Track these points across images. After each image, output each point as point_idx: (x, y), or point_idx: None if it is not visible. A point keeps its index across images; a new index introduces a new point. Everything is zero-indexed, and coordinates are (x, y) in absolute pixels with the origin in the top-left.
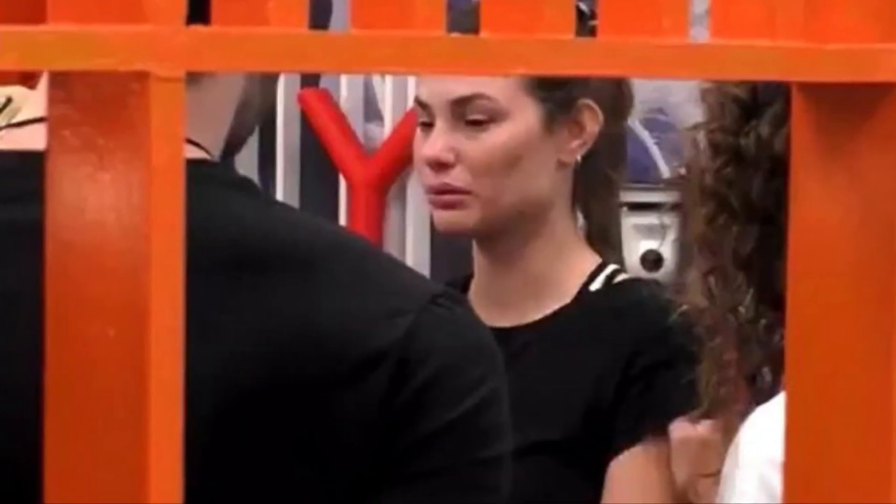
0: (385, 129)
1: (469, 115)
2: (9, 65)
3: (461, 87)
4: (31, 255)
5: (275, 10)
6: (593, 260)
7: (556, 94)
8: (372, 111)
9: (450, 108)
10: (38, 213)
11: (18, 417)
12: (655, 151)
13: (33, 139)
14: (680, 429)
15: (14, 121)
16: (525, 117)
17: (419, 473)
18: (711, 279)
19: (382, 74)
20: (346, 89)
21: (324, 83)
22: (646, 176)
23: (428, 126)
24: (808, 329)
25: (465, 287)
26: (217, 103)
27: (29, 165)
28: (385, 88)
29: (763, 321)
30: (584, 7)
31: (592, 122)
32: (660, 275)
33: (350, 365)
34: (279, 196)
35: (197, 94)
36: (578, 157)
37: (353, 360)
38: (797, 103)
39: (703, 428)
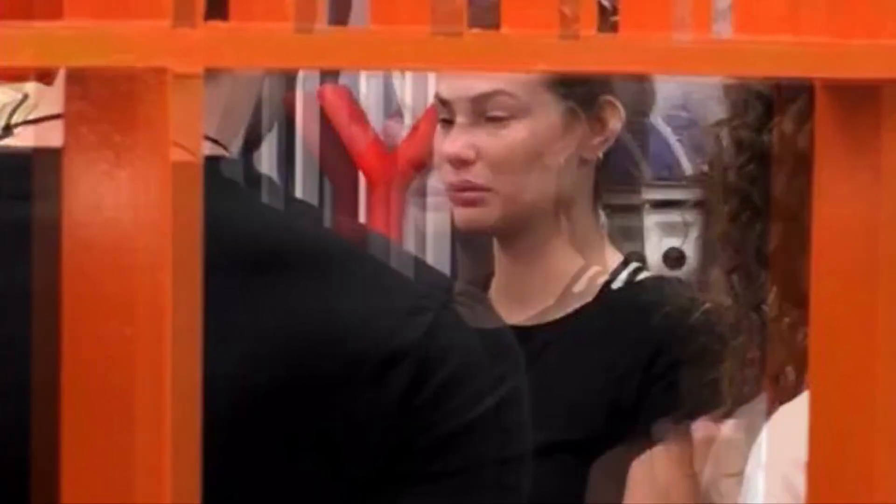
0: (405, 126)
1: (490, 111)
2: (26, 62)
3: (482, 83)
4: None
5: (293, 6)
6: (615, 257)
7: (577, 91)
8: (392, 108)
9: (470, 105)
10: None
11: (13, 418)
12: (678, 148)
13: (50, 136)
14: (702, 428)
15: (31, 117)
16: (546, 114)
17: (439, 472)
18: (734, 277)
19: (402, 71)
20: (366, 86)
21: (343, 79)
22: (668, 173)
23: (448, 123)
24: (831, 327)
25: (485, 285)
26: (235, 100)
27: (46, 162)
28: (405, 85)
29: (786, 319)
30: (605, 2)
31: (614, 118)
32: (682, 272)
33: (370, 364)
34: (298, 193)
35: (215, 90)
36: (600, 154)
37: (373, 358)
38: (821, 100)
39: (726, 427)
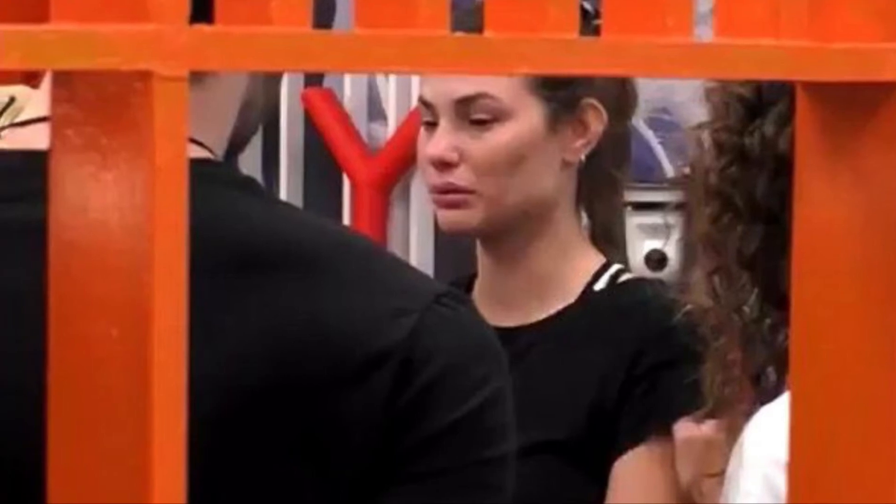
0: (389, 129)
1: (473, 114)
2: (12, 64)
3: (465, 86)
4: (35, 254)
5: (278, 10)
6: (597, 259)
7: (560, 94)
8: (375, 110)
9: (454, 108)
10: (41, 213)
11: (21, 418)
12: (660, 151)
13: (37, 139)
14: (684, 428)
15: (17, 120)
16: (529, 116)
17: (423, 473)
18: (716, 279)
19: (386, 74)
20: (350, 88)
21: (327, 82)
22: (650, 175)
23: (432, 125)
24: (812, 328)
25: (468, 287)
26: (220, 103)
27: (32, 165)
28: (389, 88)
29: (767, 321)
30: (588, 6)
31: (596, 121)
32: (664, 274)
33: (354, 365)
34: (283, 195)
35: (200, 93)
36: (582, 157)
37: (358, 359)
38: (801, 102)
39: (708, 428)
